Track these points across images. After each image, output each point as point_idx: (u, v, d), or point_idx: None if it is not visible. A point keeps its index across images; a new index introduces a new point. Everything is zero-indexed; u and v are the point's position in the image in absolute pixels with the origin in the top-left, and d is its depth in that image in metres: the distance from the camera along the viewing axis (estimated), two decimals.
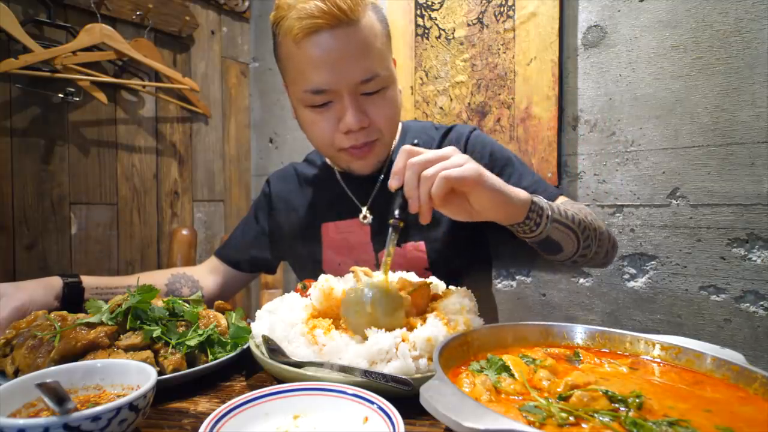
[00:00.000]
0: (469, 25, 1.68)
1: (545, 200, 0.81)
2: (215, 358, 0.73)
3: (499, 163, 1.07)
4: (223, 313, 0.85)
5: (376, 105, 0.94)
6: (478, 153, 1.07)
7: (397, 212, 0.71)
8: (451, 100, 1.73)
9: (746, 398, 0.50)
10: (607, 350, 0.64)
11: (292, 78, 0.95)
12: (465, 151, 1.08)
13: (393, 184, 0.70)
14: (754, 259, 1.29)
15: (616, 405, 0.46)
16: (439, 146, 1.10)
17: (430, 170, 0.67)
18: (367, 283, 0.69)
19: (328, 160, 1.19)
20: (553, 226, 0.80)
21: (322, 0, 0.84)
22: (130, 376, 0.59)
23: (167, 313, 0.76)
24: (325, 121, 0.95)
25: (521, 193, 0.75)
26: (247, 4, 2.27)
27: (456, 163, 0.67)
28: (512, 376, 0.53)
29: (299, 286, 0.88)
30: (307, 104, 0.95)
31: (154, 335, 0.70)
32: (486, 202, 0.70)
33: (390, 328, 0.65)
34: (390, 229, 0.71)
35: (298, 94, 0.95)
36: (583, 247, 0.88)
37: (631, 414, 0.44)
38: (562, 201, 1.05)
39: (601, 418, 0.43)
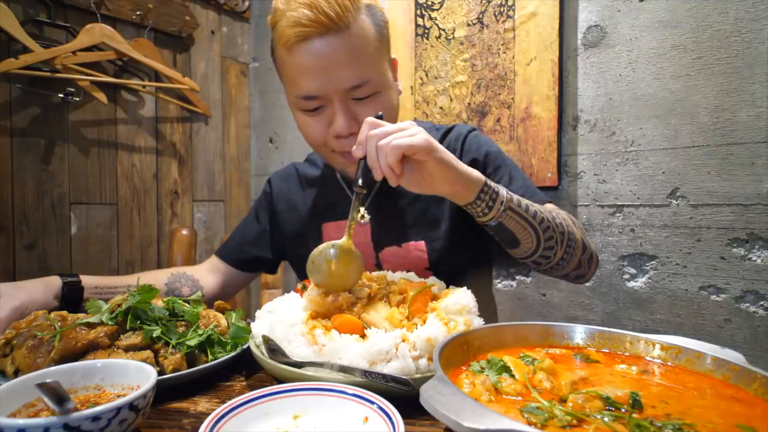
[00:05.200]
0: (469, 25, 1.68)
1: (505, 189, 0.82)
2: (215, 358, 0.73)
3: (493, 164, 1.07)
4: (223, 313, 0.85)
5: (368, 110, 0.93)
6: (473, 152, 1.07)
7: (360, 180, 0.77)
8: (451, 100, 1.73)
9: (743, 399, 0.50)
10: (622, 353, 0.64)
11: (285, 82, 0.97)
12: (462, 150, 1.08)
13: (357, 153, 0.75)
14: (754, 259, 1.29)
15: (610, 408, 0.46)
16: None
17: (385, 140, 0.71)
18: (330, 243, 0.78)
19: None
20: (508, 214, 0.80)
21: (311, 8, 0.83)
22: (130, 376, 0.59)
23: (167, 313, 0.76)
24: (317, 125, 0.96)
25: (473, 172, 0.78)
26: (247, 4, 2.27)
27: (409, 133, 0.72)
28: (513, 376, 0.53)
29: (299, 286, 0.88)
30: (300, 108, 0.96)
31: (154, 335, 0.70)
32: (436, 173, 0.74)
33: (347, 283, 0.76)
34: (353, 196, 0.79)
35: (292, 99, 0.97)
36: (545, 247, 0.87)
37: (634, 416, 0.44)
38: (549, 208, 1.05)
39: (604, 420, 0.43)
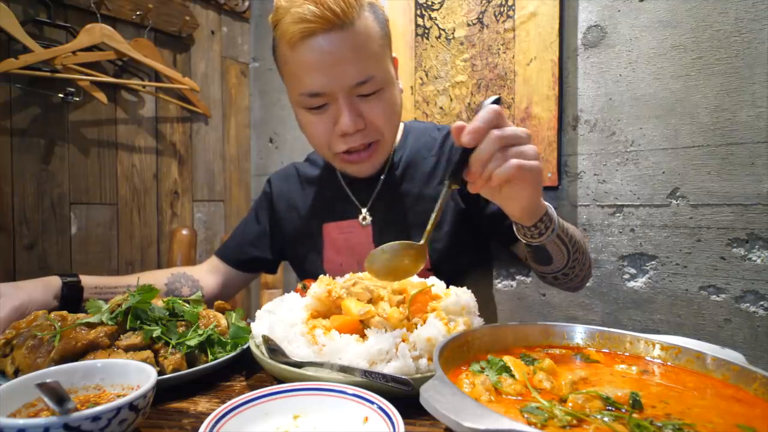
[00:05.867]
0: (469, 25, 1.68)
1: (554, 212, 0.81)
2: (215, 358, 0.73)
3: None
4: (223, 313, 0.85)
5: (373, 107, 0.94)
6: None
7: (454, 175, 0.66)
8: (451, 100, 1.73)
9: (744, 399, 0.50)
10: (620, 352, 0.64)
11: (289, 81, 0.96)
12: None
13: (465, 139, 0.62)
14: (754, 259, 1.29)
15: (610, 408, 0.46)
16: (441, 147, 1.11)
17: (514, 150, 0.63)
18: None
19: None
20: (554, 238, 0.81)
21: (316, 4, 0.83)
22: (130, 376, 0.59)
23: (167, 313, 0.76)
24: (322, 124, 0.95)
25: (542, 201, 0.76)
26: (247, 4, 2.27)
27: (531, 155, 0.65)
28: (512, 376, 0.53)
29: (299, 286, 0.88)
30: (304, 106, 0.95)
31: (154, 335, 0.70)
32: (523, 197, 0.69)
33: (410, 272, 0.73)
34: (444, 188, 0.67)
35: (295, 97, 0.96)
36: (569, 267, 0.89)
37: (634, 416, 0.44)
38: None
39: (604, 420, 0.43)
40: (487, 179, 0.64)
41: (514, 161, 0.62)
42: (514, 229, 0.81)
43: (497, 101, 0.66)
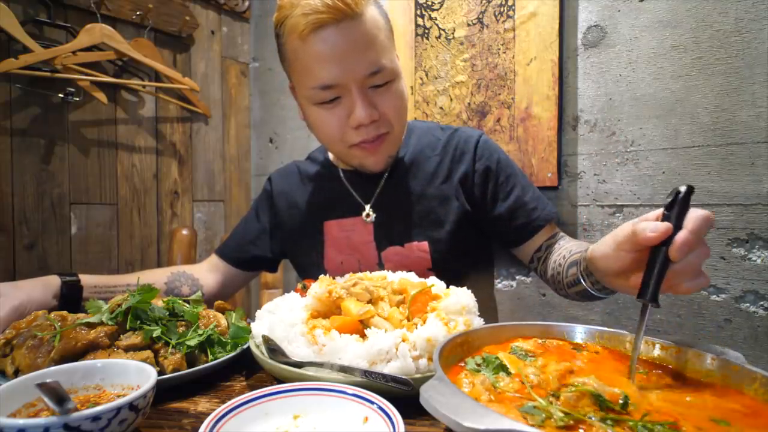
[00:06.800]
0: (469, 25, 1.68)
1: None
2: (215, 358, 0.73)
3: (504, 172, 1.08)
4: (223, 313, 0.85)
5: (384, 98, 0.95)
6: (486, 159, 1.08)
7: (654, 294, 0.56)
8: (451, 100, 1.73)
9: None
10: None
11: (299, 76, 0.96)
12: (474, 156, 1.09)
13: (677, 257, 0.54)
14: (754, 259, 1.28)
15: (600, 406, 0.46)
16: (445, 147, 1.11)
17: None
18: None
19: (331, 158, 1.19)
20: None
21: None
22: (130, 376, 0.59)
23: (167, 313, 0.76)
24: (335, 117, 0.95)
25: None
26: (247, 4, 2.26)
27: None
28: (509, 374, 0.53)
29: (299, 286, 0.88)
30: (316, 101, 0.95)
31: (154, 335, 0.70)
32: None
33: None
34: (644, 312, 0.58)
35: (306, 92, 0.95)
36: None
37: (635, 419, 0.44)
38: (561, 236, 1.08)
39: (600, 423, 0.43)
40: (675, 288, 0.58)
41: (705, 277, 0.58)
42: (584, 282, 0.79)
43: (690, 190, 0.57)
